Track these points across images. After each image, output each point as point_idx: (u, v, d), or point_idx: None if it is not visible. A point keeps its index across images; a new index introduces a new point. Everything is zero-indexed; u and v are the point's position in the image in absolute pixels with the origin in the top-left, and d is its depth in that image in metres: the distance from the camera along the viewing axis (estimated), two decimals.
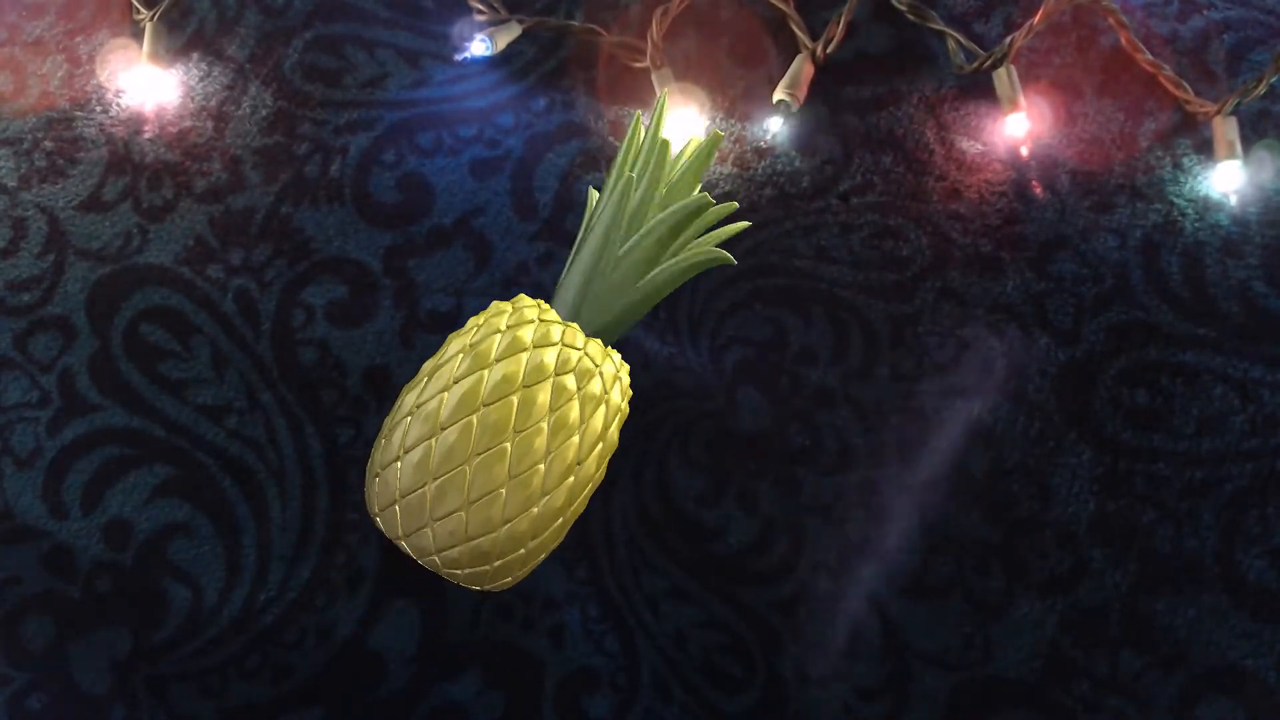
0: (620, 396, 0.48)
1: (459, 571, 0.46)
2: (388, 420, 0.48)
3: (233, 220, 0.59)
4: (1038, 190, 0.57)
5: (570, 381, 0.45)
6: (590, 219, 0.50)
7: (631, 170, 0.49)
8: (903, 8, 0.58)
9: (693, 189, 0.50)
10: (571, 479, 0.46)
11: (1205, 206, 0.56)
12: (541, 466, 0.44)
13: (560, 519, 0.46)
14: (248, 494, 0.56)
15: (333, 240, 0.59)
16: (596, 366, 0.47)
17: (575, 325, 0.48)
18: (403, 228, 0.59)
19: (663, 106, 0.50)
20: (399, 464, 0.45)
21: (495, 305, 0.49)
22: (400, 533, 0.45)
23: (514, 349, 0.45)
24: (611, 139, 0.59)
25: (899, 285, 0.56)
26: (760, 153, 0.58)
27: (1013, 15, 0.59)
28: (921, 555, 0.53)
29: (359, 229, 0.59)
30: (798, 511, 0.54)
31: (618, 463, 0.55)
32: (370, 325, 0.57)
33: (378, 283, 0.58)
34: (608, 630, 0.53)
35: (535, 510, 0.45)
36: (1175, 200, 0.56)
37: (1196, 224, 0.56)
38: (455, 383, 0.45)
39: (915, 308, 0.56)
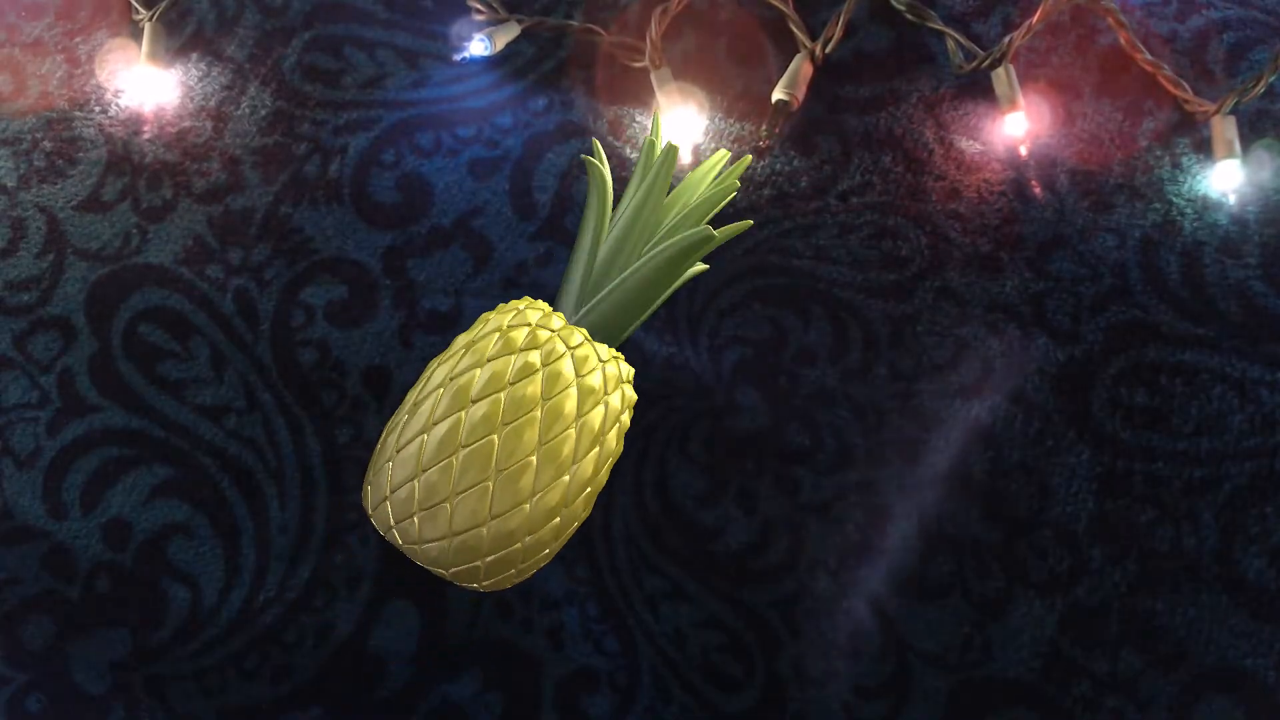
0: (621, 403, 0.47)
1: (448, 568, 0.45)
2: (391, 420, 0.48)
3: (232, 220, 0.59)
4: (1036, 190, 0.57)
5: (568, 369, 0.45)
6: (599, 225, 0.50)
7: (642, 185, 0.49)
8: (901, 7, 0.58)
9: (712, 207, 0.50)
10: (566, 477, 0.45)
11: (1204, 206, 0.56)
12: (533, 459, 0.44)
13: (556, 518, 0.45)
14: (247, 494, 0.56)
15: (332, 240, 0.59)
16: (601, 362, 0.47)
17: (579, 328, 0.48)
18: (402, 228, 0.59)
19: (657, 123, 0.51)
20: (391, 463, 0.45)
21: (501, 306, 0.49)
22: (391, 523, 0.45)
23: (508, 348, 0.45)
24: (611, 139, 0.59)
25: (898, 285, 0.56)
26: (759, 152, 0.58)
27: (1011, 15, 0.59)
28: (921, 555, 0.53)
29: (358, 229, 0.59)
30: (797, 511, 0.54)
31: (618, 462, 0.55)
32: (370, 325, 0.57)
33: (377, 283, 0.58)
34: (607, 630, 0.53)
35: (526, 507, 0.44)
36: (1174, 199, 0.56)
37: (1195, 223, 0.56)
38: (450, 379, 0.45)
39: (914, 307, 0.56)
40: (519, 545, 0.45)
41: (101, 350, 0.58)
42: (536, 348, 0.45)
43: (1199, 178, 0.56)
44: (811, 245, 0.57)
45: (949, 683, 0.52)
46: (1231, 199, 0.56)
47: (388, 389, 0.57)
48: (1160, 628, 0.51)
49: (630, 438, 0.55)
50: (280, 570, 0.55)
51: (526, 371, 0.45)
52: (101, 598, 0.55)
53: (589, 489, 0.47)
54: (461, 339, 0.48)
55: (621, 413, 0.48)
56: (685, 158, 0.59)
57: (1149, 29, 0.59)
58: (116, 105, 0.62)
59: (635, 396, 0.49)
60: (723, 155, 0.52)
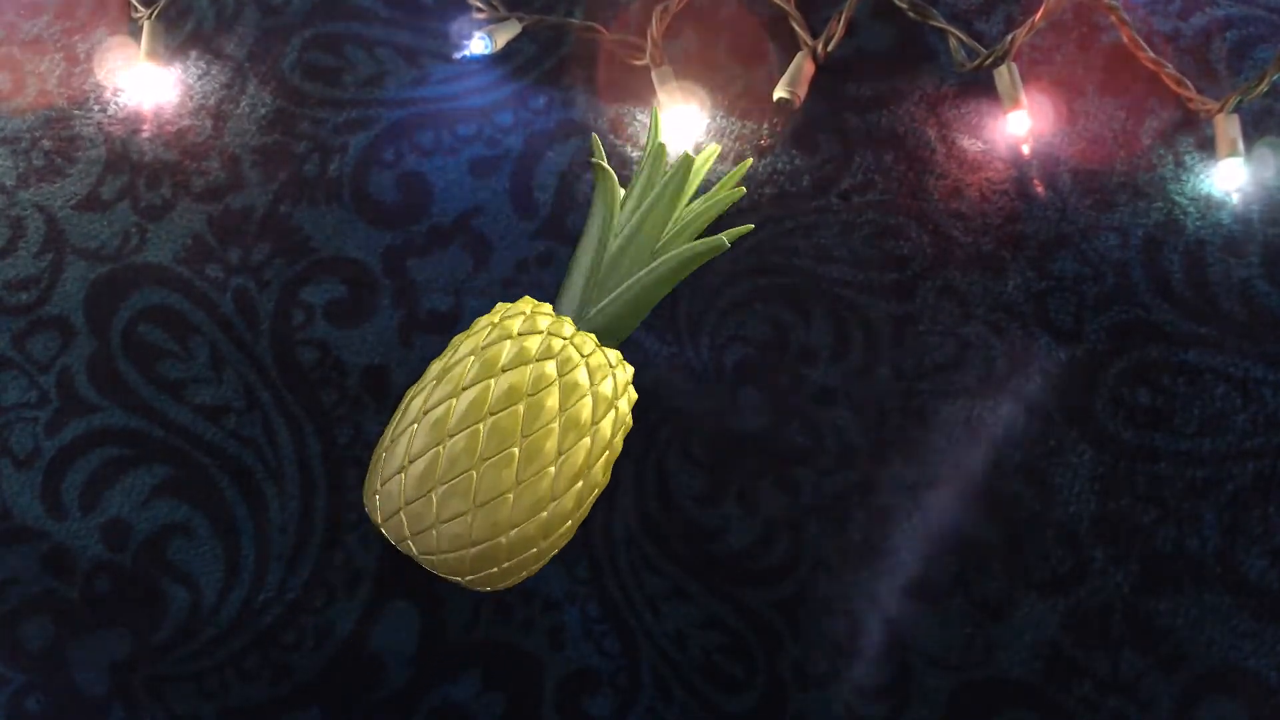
0: (627, 405, 0.48)
1: (469, 576, 0.45)
2: (392, 424, 0.47)
3: (231, 219, 0.59)
4: (1039, 188, 0.57)
5: (582, 377, 0.45)
6: (605, 228, 0.50)
7: (654, 188, 0.49)
8: (903, 5, 0.58)
9: (711, 209, 0.50)
10: (580, 484, 0.45)
11: (1207, 205, 0.56)
12: (551, 469, 0.44)
13: (569, 521, 0.46)
14: (246, 494, 0.56)
15: (331, 239, 0.59)
16: (611, 368, 0.47)
17: (581, 330, 0.48)
18: (402, 227, 0.58)
19: (656, 122, 0.50)
20: (404, 474, 0.45)
21: (502, 307, 0.49)
22: (407, 534, 0.45)
23: (522, 358, 0.45)
24: (611, 137, 0.59)
25: (899, 284, 0.56)
26: (760, 151, 0.58)
27: (1014, 13, 0.59)
28: (922, 555, 0.53)
29: (358, 228, 0.59)
30: (798, 511, 0.54)
31: (618, 463, 0.55)
32: (369, 325, 0.57)
33: (377, 282, 0.58)
34: (608, 630, 0.53)
35: (544, 515, 0.45)
36: (1177, 198, 0.56)
37: (1198, 222, 0.55)
38: (463, 390, 0.45)
39: (916, 307, 0.55)
40: (534, 550, 0.45)
41: (101, 350, 0.58)
42: (551, 357, 0.45)
43: (1202, 176, 0.56)
44: (813, 244, 0.57)
45: (950, 683, 0.52)
46: (1235, 198, 0.55)
47: (388, 389, 0.56)
48: (1162, 628, 0.51)
49: (631, 438, 0.55)
50: (280, 570, 0.55)
51: (543, 383, 0.45)
52: (101, 598, 0.55)
53: (596, 491, 0.48)
54: (466, 343, 0.48)
55: (626, 415, 0.48)
56: None
57: (1152, 27, 0.58)
58: (115, 104, 0.62)
59: (635, 395, 0.50)
60: (713, 151, 0.51)
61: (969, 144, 0.58)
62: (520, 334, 0.46)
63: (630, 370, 0.49)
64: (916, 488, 0.53)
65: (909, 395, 0.54)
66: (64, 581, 0.55)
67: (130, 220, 0.60)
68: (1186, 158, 0.56)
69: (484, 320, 0.49)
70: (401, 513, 0.45)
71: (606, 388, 0.46)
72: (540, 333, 0.46)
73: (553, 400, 0.44)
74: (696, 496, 0.54)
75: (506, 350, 0.46)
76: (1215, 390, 0.53)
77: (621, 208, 0.50)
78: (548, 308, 0.49)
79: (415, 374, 0.57)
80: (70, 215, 0.60)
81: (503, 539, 0.44)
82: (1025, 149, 0.57)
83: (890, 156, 0.58)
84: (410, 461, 0.45)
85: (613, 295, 0.49)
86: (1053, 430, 0.54)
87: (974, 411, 0.54)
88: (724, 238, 0.48)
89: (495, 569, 0.45)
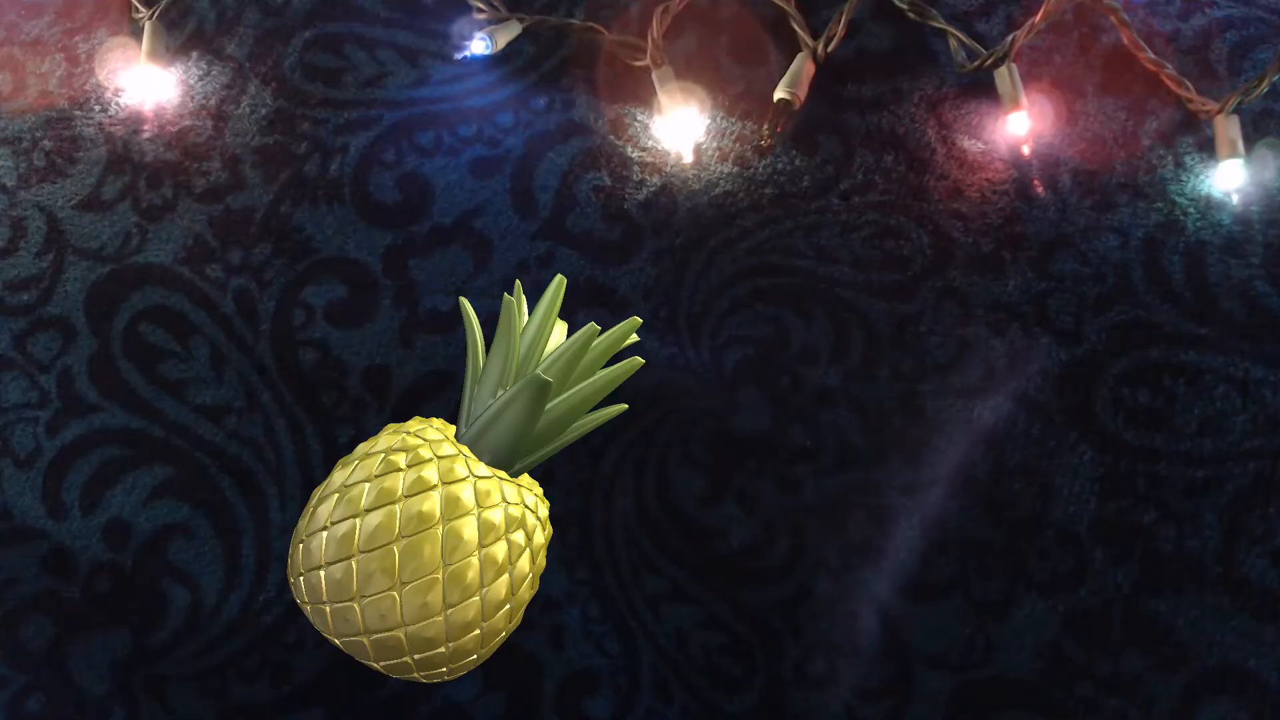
0: (543, 533, 0.47)
1: (416, 675, 0.45)
2: (303, 519, 0.46)
3: (232, 220, 0.59)
4: (1039, 189, 0.57)
5: (466, 495, 0.44)
6: (483, 364, 0.49)
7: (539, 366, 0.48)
8: (904, 6, 0.58)
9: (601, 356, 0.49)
10: (508, 607, 0.45)
11: (1207, 205, 0.56)
12: (476, 599, 0.44)
13: (504, 632, 0.46)
14: (247, 494, 0.56)
15: (332, 240, 0.59)
16: (525, 509, 0.46)
17: (486, 466, 0.47)
18: (403, 227, 0.59)
19: (557, 295, 0.49)
20: (322, 572, 0.44)
21: (392, 431, 0.48)
22: (333, 633, 0.45)
23: (423, 486, 0.44)
24: (612, 138, 0.59)
25: (900, 285, 0.56)
26: (760, 151, 0.58)
27: (1014, 14, 0.59)
28: (923, 555, 0.53)
29: (359, 228, 0.59)
30: (798, 512, 0.54)
31: (618, 463, 0.55)
32: (370, 325, 0.57)
33: (377, 282, 0.58)
34: (608, 631, 0.53)
35: (478, 632, 0.45)
36: (1177, 199, 0.56)
37: (1198, 223, 0.55)
38: (367, 512, 0.44)
39: (916, 307, 0.55)
40: (443, 650, 0.44)
41: (101, 350, 0.58)
42: (433, 465, 0.45)
43: (1202, 177, 0.56)
44: (813, 245, 0.57)
45: (951, 684, 0.52)
46: (1235, 198, 0.55)
47: (388, 389, 0.57)
48: (1162, 629, 0.51)
49: (631, 438, 0.55)
50: (280, 570, 0.55)
51: (420, 487, 0.44)
52: (101, 598, 0.55)
53: (525, 604, 0.47)
54: (361, 465, 0.46)
55: (543, 540, 0.48)
56: (687, 157, 0.58)
57: (1152, 28, 0.58)
58: (116, 104, 0.62)
59: (547, 515, 0.49)
60: (632, 323, 0.49)
61: (969, 145, 0.58)
62: (416, 465, 0.45)
63: (535, 488, 0.48)
64: (916, 488, 0.53)
65: (909, 396, 0.54)
66: (64, 581, 0.55)
67: (131, 220, 0.60)
68: (1186, 158, 0.56)
69: (383, 442, 0.47)
70: (327, 608, 0.44)
71: (518, 537, 0.45)
72: (441, 459, 0.45)
73: (470, 533, 0.44)
74: (697, 496, 0.54)
75: (402, 480, 0.44)
76: (1215, 390, 0.53)
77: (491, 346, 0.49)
78: (446, 437, 0.48)
79: (416, 374, 0.57)
80: (71, 215, 0.60)
81: (442, 649, 0.44)
82: (1025, 150, 0.57)
83: (890, 157, 0.58)
84: (327, 565, 0.44)
85: (519, 443, 0.47)
86: (1053, 431, 0.54)
87: (974, 412, 0.54)
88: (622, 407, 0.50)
89: (444, 669, 0.45)
